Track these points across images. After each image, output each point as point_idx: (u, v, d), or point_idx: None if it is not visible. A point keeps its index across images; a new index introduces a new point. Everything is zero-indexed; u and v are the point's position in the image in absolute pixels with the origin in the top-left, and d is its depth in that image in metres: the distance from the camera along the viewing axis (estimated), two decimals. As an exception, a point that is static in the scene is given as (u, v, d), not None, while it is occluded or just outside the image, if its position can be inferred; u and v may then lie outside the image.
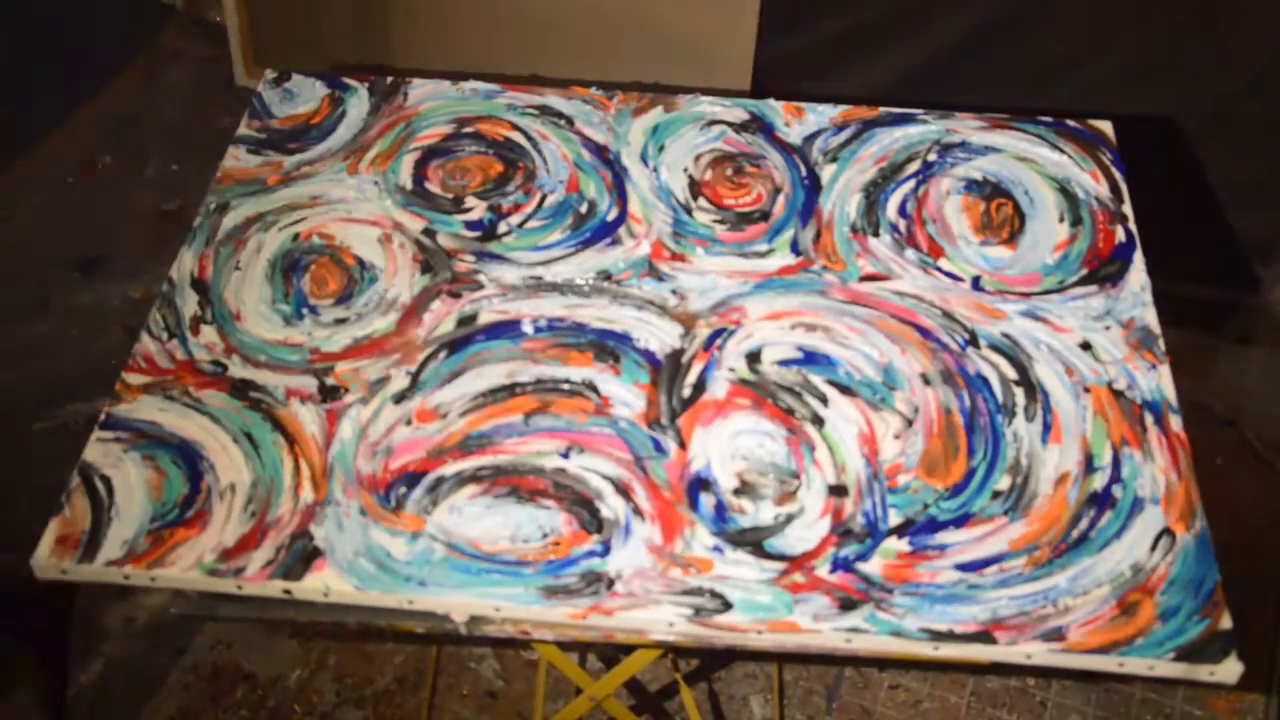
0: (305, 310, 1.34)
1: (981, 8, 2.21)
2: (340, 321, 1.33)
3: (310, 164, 1.50)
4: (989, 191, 1.48)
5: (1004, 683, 1.87)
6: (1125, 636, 1.08)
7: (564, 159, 1.51)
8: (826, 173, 1.50)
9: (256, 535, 1.13)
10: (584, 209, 1.45)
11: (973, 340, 1.32)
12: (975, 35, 2.24)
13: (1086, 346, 1.31)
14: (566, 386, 1.26)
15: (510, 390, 1.26)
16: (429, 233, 1.42)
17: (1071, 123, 1.57)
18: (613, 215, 1.45)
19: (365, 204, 1.45)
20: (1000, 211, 1.46)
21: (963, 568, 1.13)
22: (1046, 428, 1.24)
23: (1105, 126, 1.57)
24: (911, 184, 1.49)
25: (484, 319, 1.33)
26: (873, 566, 1.13)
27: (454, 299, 1.35)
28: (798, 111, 1.58)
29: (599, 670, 1.80)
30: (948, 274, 1.39)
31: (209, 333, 1.31)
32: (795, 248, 1.42)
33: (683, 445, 1.22)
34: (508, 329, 1.32)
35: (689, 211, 1.45)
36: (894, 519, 1.16)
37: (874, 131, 1.55)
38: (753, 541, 1.14)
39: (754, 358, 1.30)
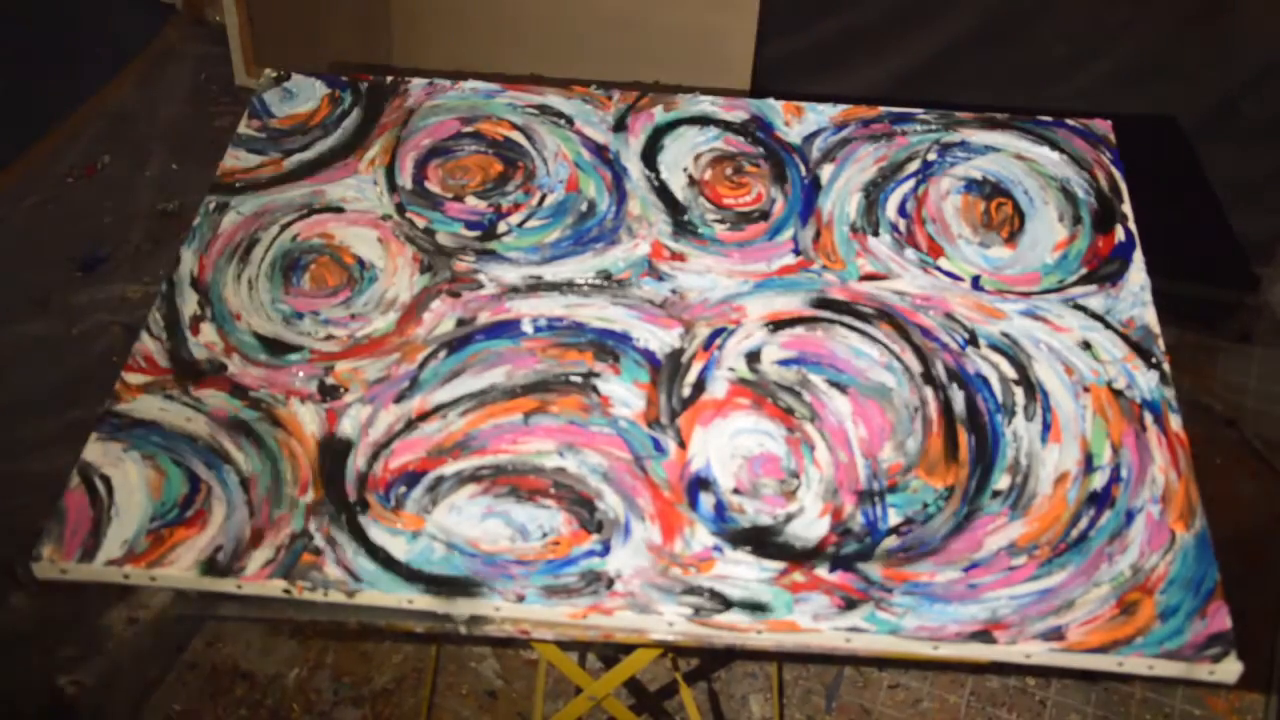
0: (305, 310, 1.34)
1: (982, 8, 2.21)
2: (340, 321, 1.33)
3: (310, 164, 1.50)
4: (989, 191, 1.48)
5: (1004, 682, 1.87)
6: (1125, 636, 1.08)
7: (564, 159, 1.51)
8: (826, 172, 1.50)
9: (256, 535, 1.13)
10: (584, 208, 1.45)
11: (972, 340, 1.32)
12: (975, 35, 2.24)
13: (1086, 346, 1.31)
14: (566, 386, 1.26)
15: (510, 390, 1.26)
16: (429, 233, 1.42)
17: (1071, 123, 1.57)
18: (612, 214, 1.45)
19: (365, 204, 1.45)
20: (1000, 211, 1.46)
21: (963, 567, 1.13)
22: (1046, 427, 1.24)
23: (1105, 126, 1.57)
24: (911, 183, 1.49)
25: (484, 319, 1.33)
26: (872, 566, 1.13)
27: (454, 299, 1.35)
28: (798, 111, 1.58)
29: (599, 670, 1.80)
30: (947, 273, 1.39)
31: (209, 332, 1.31)
32: (795, 247, 1.42)
33: (682, 445, 1.22)
34: (508, 329, 1.32)
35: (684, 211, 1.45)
36: (894, 519, 1.16)
37: (874, 131, 1.55)
38: (753, 541, 1.14)
39: (753, 357, 1.30)
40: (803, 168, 1.51)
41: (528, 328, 1.32)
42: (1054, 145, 1.53)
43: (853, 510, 1.17)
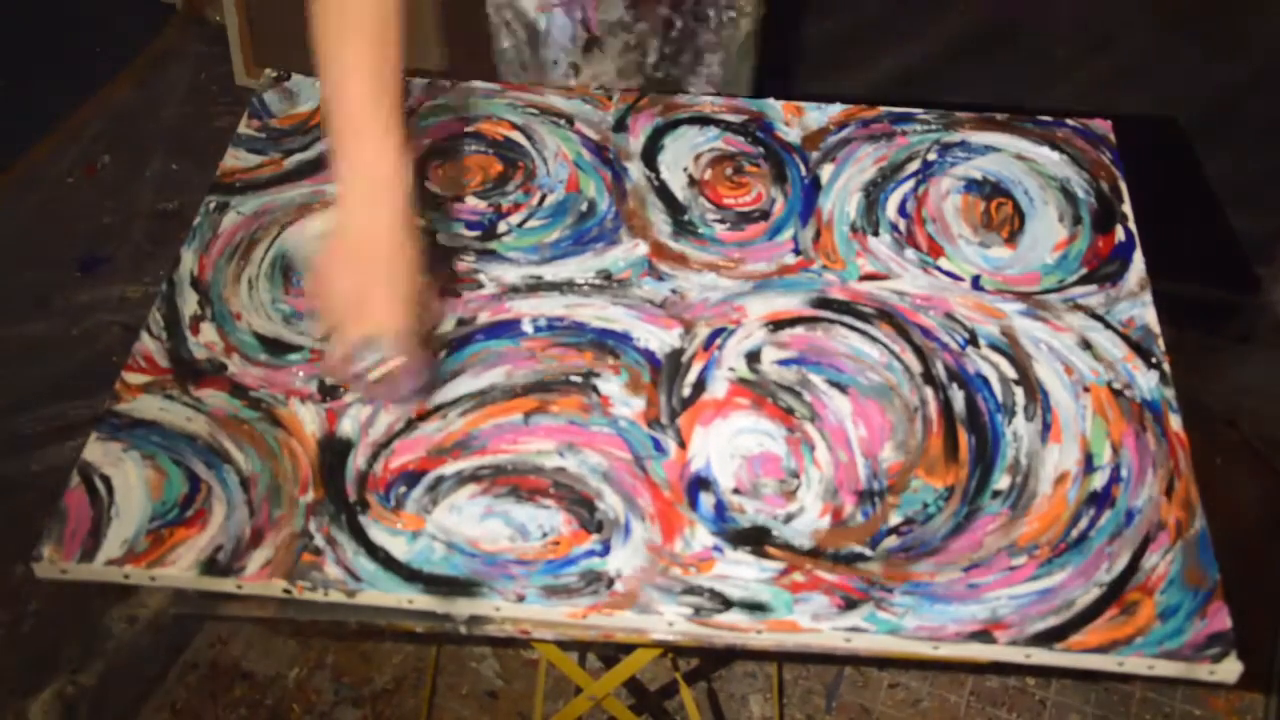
0: (305, 310, 1.34)
1: (981, 7, 2.21)
2: (340, 321, 1.33)
3: (310, 164, 1.50)
4: (989, 191, 1.48)
5: (1004, 682, 1.87)
6: (1124, 636, 1.08)
7: (564, 158, 1.51)
8: (826, 172, 1.50)
9: (256, 535, 1.13)
10: (584, 208, 1.45)
11: (973, 340, 1.32)
12: (975, 35, 2.24)
13: (1086, 346, 1.31)
14: (566, 386, 1.26)
15: (510, 390, 1.26)
16: (429, 233, 1.42)
17: (1071, 122, 1.57)
18: (612, 215, 1.45)
19: (365, 204, 1.45)
20: (1000, 211, 1.46)
21: (963, 567, 1.13)
22: (1046, 427, 1.24)
23: (1105, 126, 1.57)
24: (911, 183, 1.49)
25: (484, 319, 1.33)
26: (872, 566, 1.13)
27: (454, 299, 1.35)
28: (798, 111, 1.58)
29: (599, 670, 1.80)
30: (948, 273, 1.39)
31: (209, 332, 1.31)
32: (795, 247, 1.42)
33: (682, 445, 1.22)
34: (508, 328, 1.32)
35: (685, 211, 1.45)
36: (894, 519, 1.16)
37: (874, 131, 1.55)
38: (753, 541, 1.14)
39: (754, 357, 1.30)
40: (803, 168, 1.51)
41: (528, 327, 1.32)
42: (1054, 145, 1.53)
43: (853, 510, 1.17)
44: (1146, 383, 1.28)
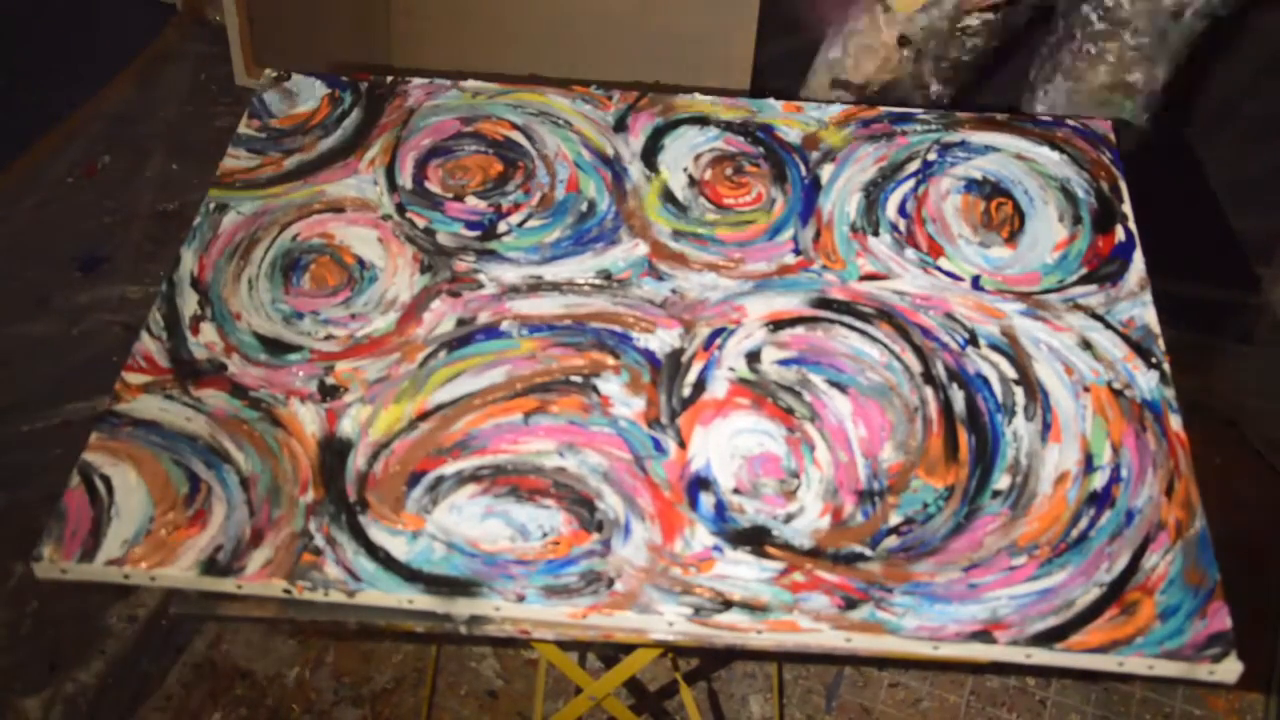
0: (305, 310, 1.34)
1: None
2: (340, 321, 1.33)
3: (310, 164, 1.50)
4: (989, 191, 1.48)
5: (1004, 682, 1.87)
6: (1125, 636, 1.08)
7: (564, 158, 1.51)
8: (826, 172, 1.50)
9: (256, 535, 1.13)
10: (584, 208, 1.45)
11: (973, 340, 1.32)
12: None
13: (1086, 346, 1.31)
14: (566, 386, 1.26)
15: (510, 390, 1.26)
16: (429, 233, 1.43)
17: (1071, 122, 1.57)
18: (612, 215, 1.45)
19: (365, 204, 1.45)
20: (1000, 211, 1.46)
21: (963, 567, 1.13)
22: (1046, 427, 1.24)
23: (1105, 126, 1.57)
24: (911, 183, 1.49)
25: (484, 319, 1.33)
26: (872, 566, 1.13)
27: (454, 298, 1.35)
28: (798, 111, 1.58)
29: (599, 670, 1.80)
30: (947, 273, 1.39)
31: (209, 332, 1.31)
32: (795, 247, 1.42)
33: (682, 445, 1.22)
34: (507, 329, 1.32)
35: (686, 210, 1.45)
36: (894, 519, 1.16)
37: (874, 131, 1.55)
38: (753, 541, 1.14)
39: (754, 357, 1.30)
40: (803, 167, 1.51)
41: (512, 331, 1.31)
42: (1054, 145, 1.53)
43: (853, 510, 1.17)
44: (1146, 383, 1.28)
